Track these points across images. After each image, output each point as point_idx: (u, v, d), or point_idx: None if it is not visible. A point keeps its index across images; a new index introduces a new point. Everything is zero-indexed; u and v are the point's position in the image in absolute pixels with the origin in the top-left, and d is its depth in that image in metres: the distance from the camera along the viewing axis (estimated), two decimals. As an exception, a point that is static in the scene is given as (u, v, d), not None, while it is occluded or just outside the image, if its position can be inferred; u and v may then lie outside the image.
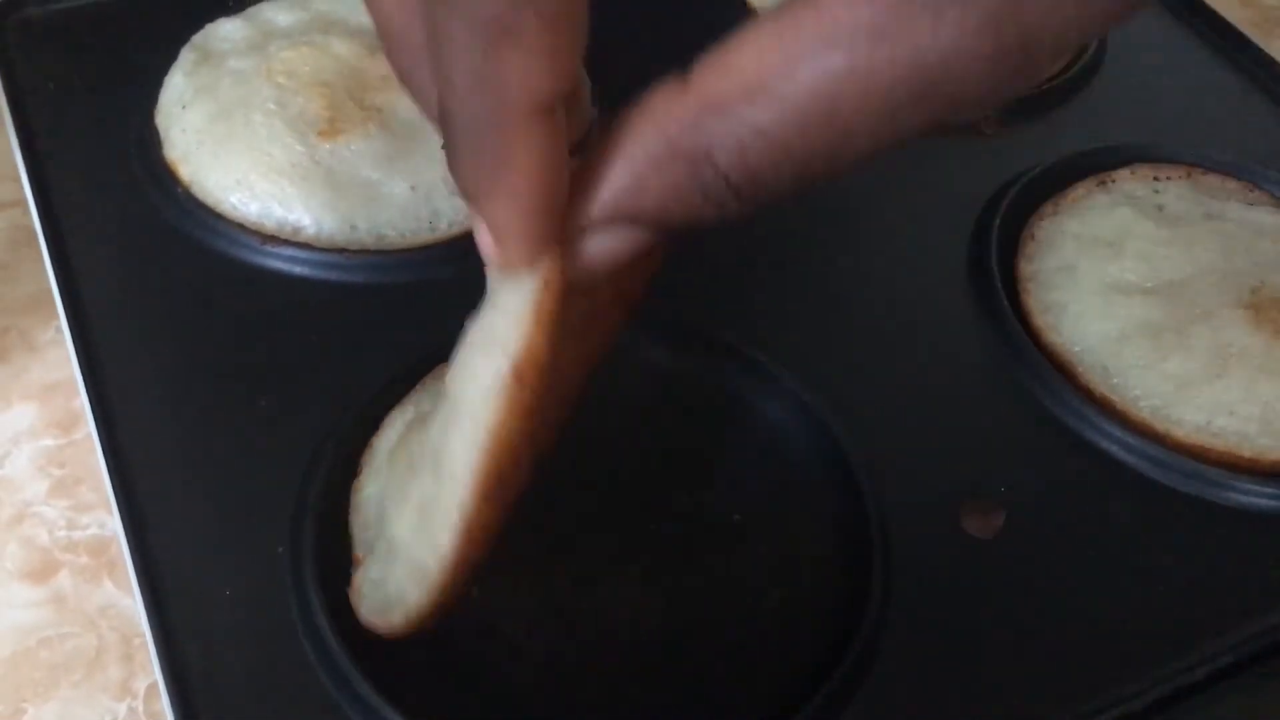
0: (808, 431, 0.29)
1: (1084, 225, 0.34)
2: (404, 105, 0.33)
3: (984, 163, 0.36)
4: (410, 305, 0.30)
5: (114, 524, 0.28)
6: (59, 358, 0.33)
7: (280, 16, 0.35)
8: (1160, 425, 0.29)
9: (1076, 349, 0.31)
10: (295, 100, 0.32)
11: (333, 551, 0.25)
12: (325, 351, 0.29)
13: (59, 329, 0.32)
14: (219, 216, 0.31)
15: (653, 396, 0.30)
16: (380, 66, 0.34)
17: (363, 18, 0.36)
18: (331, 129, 0.32)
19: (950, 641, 0.26)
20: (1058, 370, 0.31)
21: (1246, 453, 0.29)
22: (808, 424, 0.29)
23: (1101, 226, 0.33)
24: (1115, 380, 0.30)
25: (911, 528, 0.27)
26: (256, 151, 0.31)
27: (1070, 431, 0.29)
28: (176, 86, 0.33)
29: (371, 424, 0.27)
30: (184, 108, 0.33)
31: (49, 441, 0.31)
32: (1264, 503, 0.28)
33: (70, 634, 0.28)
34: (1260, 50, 0.40)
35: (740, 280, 0.32)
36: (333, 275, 0.30)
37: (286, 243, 0.30)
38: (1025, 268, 0.33)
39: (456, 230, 0.32)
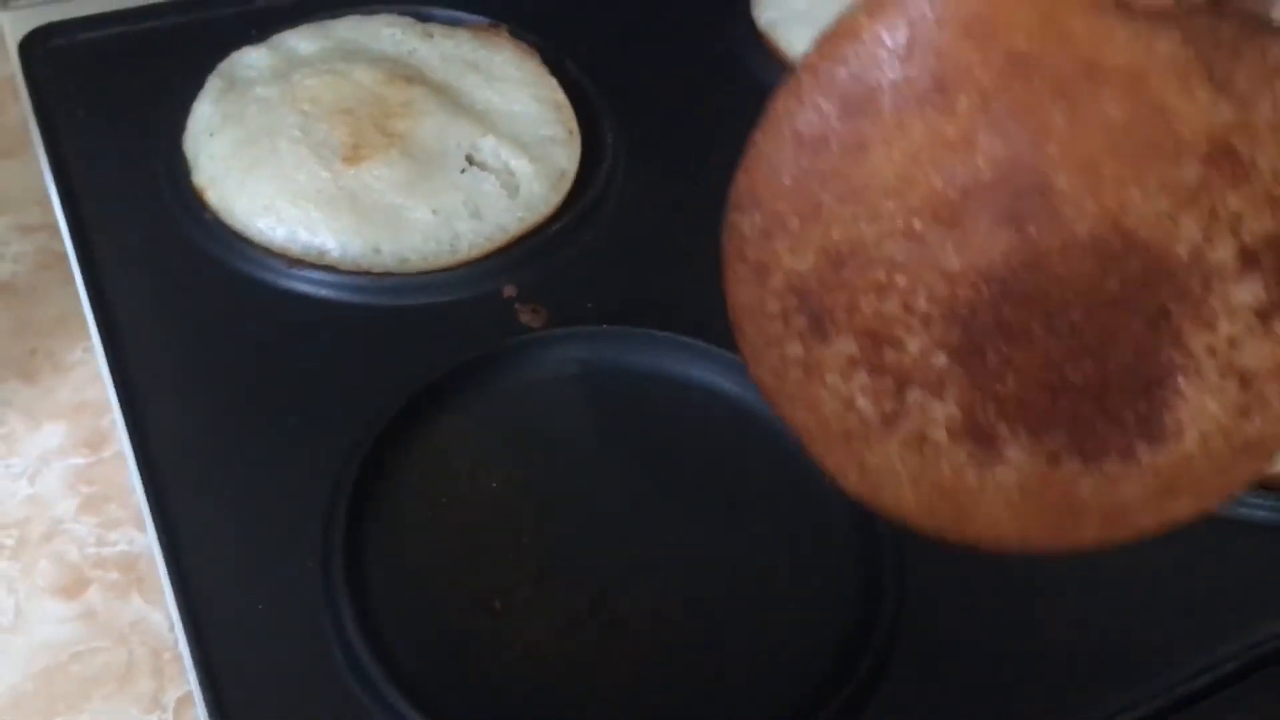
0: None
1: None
2: (425, 131, 0.34)
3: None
4: (431, 325, 0.31)
5: (144, 540, 0.29)
6: (86, 377, 0.33)
7: (303, 44, 0.36)
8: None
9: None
10: (319, 127, 0.33)
11: (360, 565, 0.26)
12: (350, 371, 0.30)
13: (86, 350, 0.33)
14: (246, 240, 0.32)
15: (675, 407, 0.30)
16: (401, 93, 0.34)
17: (383, 45, 0.37)
18: (355, 155, 0.33)
19: (960, 651, 0.26)
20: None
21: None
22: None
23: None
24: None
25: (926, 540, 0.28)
26: (282, 178, 0.32)
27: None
28: (204, 114, 0.34)
29: (393, 443, 0.28)
30: (211, 135, 0.34)
31: (78, 460, 0.32)
32: (1262, 514, 0.29)
33: (101, 648, 0.29)
34: None
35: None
36: (357, 297, 0.31)
37: (312, 266, 0.31)
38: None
39: (476, 253, 0.33)
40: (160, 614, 0.29)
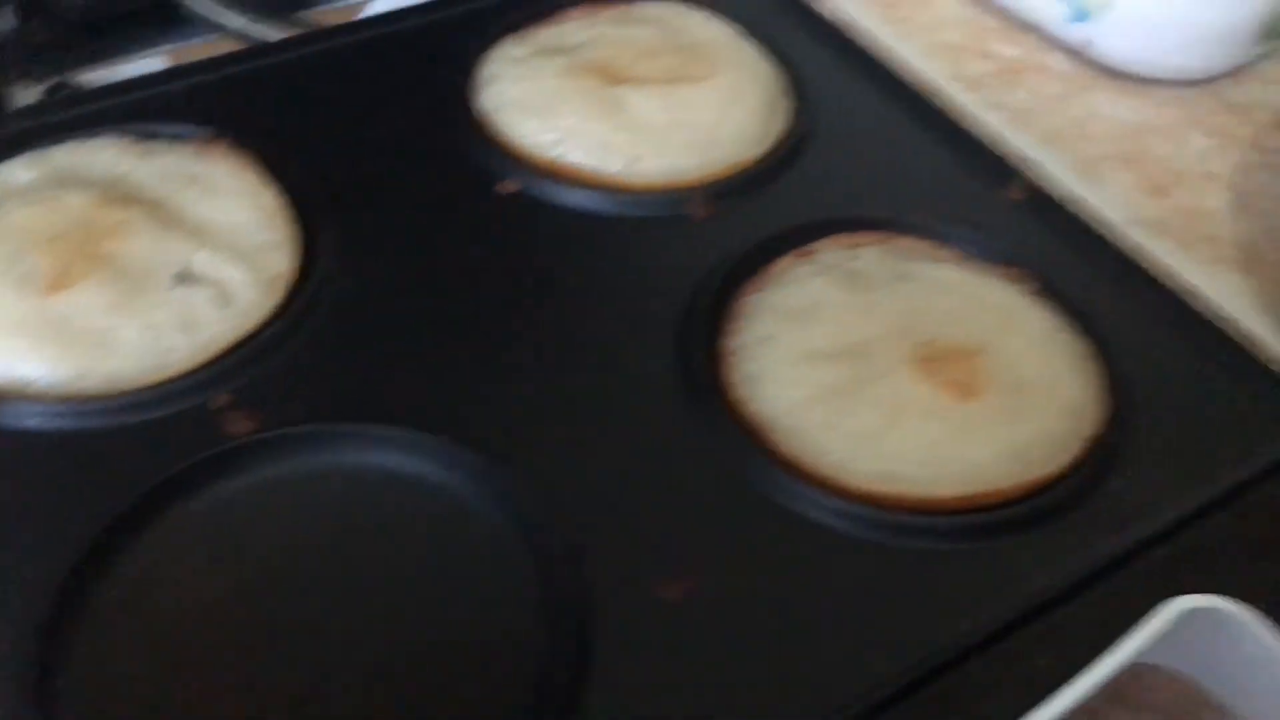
0: (512, 518, 0.31)
1: (784, 298, 0.37)
2: (136, 251, 0.35)
3: (696, 245, 0.39)
4: (141, 443, 0.32)
5: None
6: None
7: (19, 174, 0.37)
8: (841, 479, 0.32)
9: (770, 416, 0.34)
10: (27, 258, 0.34)
11: (57, 689, 0.27)
12: (57, 498, 0.31)
13: None
14: (-49, 379, 0.33)
15: (383, 496, 0.32)
16: (113, 215, 0.36)
17: (100, 168, 0.38)
18: (61, 282, 0.34)
19: (651, 699, 0.28)
20: (754, 438, 0.33)
21: (913, 494, 0.32)
22: (512, 512, 0.31)
23: (798, 297, 0.36)
24: (803, 442, 0.33)
25: (612, 598, 0.30)
26: (-14, 313, 0.33)
27: (761, 494, 0.32)
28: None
29: (96, 565, 0.29)
30: (-80, 275, 0.34)
31: None
32: (929, 545, 0.31)
33: None
34: (949, 117, 0.43)
35: (452, 372, 0.35)
36: (65, 424, 0.32)
37: (18, 398, 0.32)
38: (729, 343, 0.36)
39: (189, 366, 0.34)
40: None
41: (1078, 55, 0.63)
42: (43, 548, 0.30)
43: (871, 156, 0.43)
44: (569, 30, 0.45)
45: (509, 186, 0.40)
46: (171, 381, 0.33)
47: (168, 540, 0.31)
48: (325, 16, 0.50)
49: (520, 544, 0.31)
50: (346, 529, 0.31)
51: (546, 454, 0.33)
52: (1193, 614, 0.30)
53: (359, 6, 0.50)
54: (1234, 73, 0.62)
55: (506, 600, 0.30)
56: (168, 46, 0.47)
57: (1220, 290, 0.51)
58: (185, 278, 0.35)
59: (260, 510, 0.32)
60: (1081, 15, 0.60)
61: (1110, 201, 0.55)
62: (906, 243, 0.39)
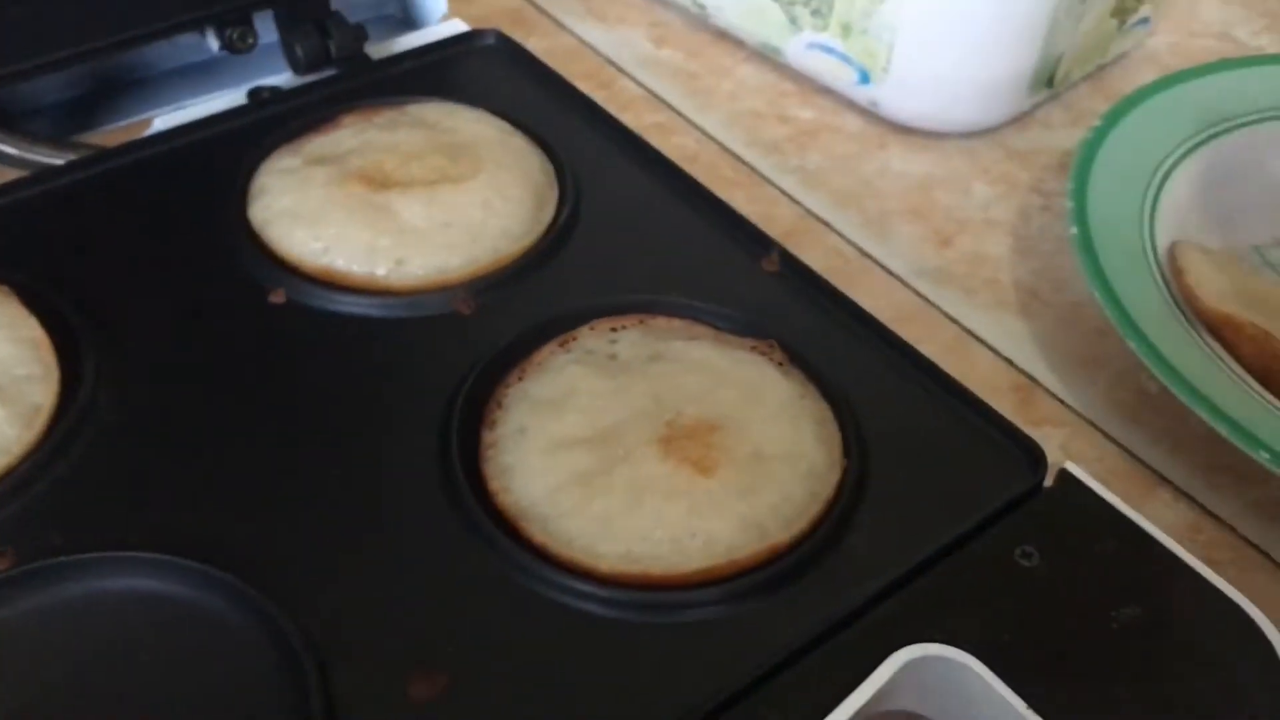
0: (267, 634, 0.32)
1: (540, 387, 0.38)
2: (-110, 397, 0.35)
3: (463, 341, 0.40)
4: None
5: None
6: None
7: None
8: (589, 561, 0.34)
9: (523, 506, 0.35)
10: None
11: None
12: None
13: None
14: None
15: (120, 619, 0.32)
16: None
17: None
18: None
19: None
20: (507, 529, 0.35)
21: (657, 571, 0.33)
22: (262, 623, 0.32)
23: (553, 386, 0.38)
24: (552, 528, 0.34)
25: (359, 705, 0.30)
26: None
27: (515, 584, 0.33)
28: None
29: None
30: None
31: None
32: (674, 618, 0.33)
33: None
34: (711, 194, 0.46)
35: (212, 492, 0.35)
36: None
37: None
38: (488, 435, 0.37)
39: None
40: None
41: (870, 114, 0.66)
42: None
43: (636, 239, 0.45)
44: (341, 137, 0.46)
45: (279, 296, 0.41)
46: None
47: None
48: (110, 137, 0.50)
49: (277, 661, 0.32)
50: (109, 655, 0.32)
51: (302, 566, 0.34)
52: (921, 661, 0.32)
53: (145, 124, 0.51)
54: (1017, 120, 0.66)
55: (263, 714, 0.31)
56: (-57, 179, 0.48)
57: (1002, 334, 0.54)
58: (-59, 418, 0.36)
59: (17, 644, 0.32)
60: (866, 77, 0.64)
61: (897, 254, 0.58)
62: (663, 322, 0.41)
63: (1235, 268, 0.51)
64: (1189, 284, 0.48)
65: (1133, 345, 0.44)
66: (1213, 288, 0.47)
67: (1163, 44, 0.72)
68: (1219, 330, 0.46)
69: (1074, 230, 0.50)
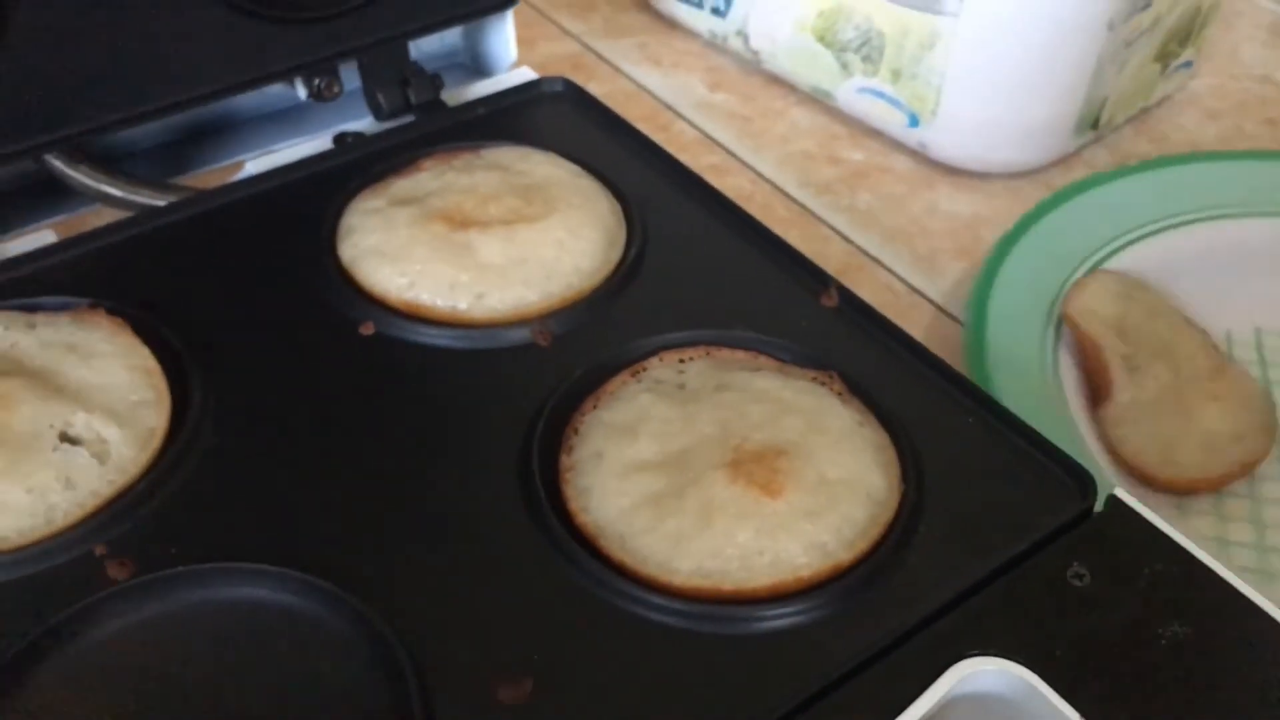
0: (364, 638, 0.34)
1: (613, 415, 0.41)
2: (19, 419, 0.38)
3: (539, 371, 0.43)
4: (30, 594, 0.35)
5: None
6: None
7: (-88, 356, 0.41)
8: (663, 576, 0.36)
9: (601, 524, 0.37)
10: (-83, 435, 0.38)
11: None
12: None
13: None
14: None
15: (230, 625, 0.35)
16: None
17: (-13, 344, 0.41)
18: (-50, 455, 0.37)
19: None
20: (586, 546, 0.37)
21: (728, 587, 0.35)
22: (361, 630, 0.34)
23: (626, 413, 0.40)
24: (629, 546, 0.37)
25: (453, 707, 0.33)
26: (-124, 488, 0.36)
27: (594, 597, 0.36)
28: None
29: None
30: None
31: None
32: (743, 630, 0.35)
33: None
34: (771, 233, 0.48)
35: (312, 508, 0.38)
36: (-47, 583, 0.35)
37: (-87, 563, 0.35)
38: (566, 459, 0.40)
39: (71, 520, 0.37)
40: None
41: (918, 155, 0.68)
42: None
43: (701, 275, 0.47)
44: (421, 180, 0.49)
45: (368, 328, 0.44)
46: (56, 536, 0.37)
47: (59, 678, 0.34)
48: (203, 180, 0.54)
49: (372, 661, 0.34)
50: (220, 656, 0.35)
51: (396, 576, 0.36)
52: (979, 674, 0.34)
53: (236, 167, 0.54)
54: (1062, 161, 0.68)
55: (363, 714, 0.33)
56: (56, 219, 0.51)
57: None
58: (66, 440, 0.39)
59: (140, 647, 0.35)
60: (915, 120, 0.66)
61: (946, 290, 0.60)
62: (728, 354, 0.43)
63: (1142, 297, 0.55)
64: (1069, 294, 0.54)
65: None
66: (1084, 303, 0.53)
67: (1204, 86, 0.74)
68: (1074, 334, 0.53)
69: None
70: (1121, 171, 0.63)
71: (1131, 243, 0.59)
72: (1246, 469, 0.48)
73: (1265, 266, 0.58)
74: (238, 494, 0.38)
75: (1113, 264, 0.57)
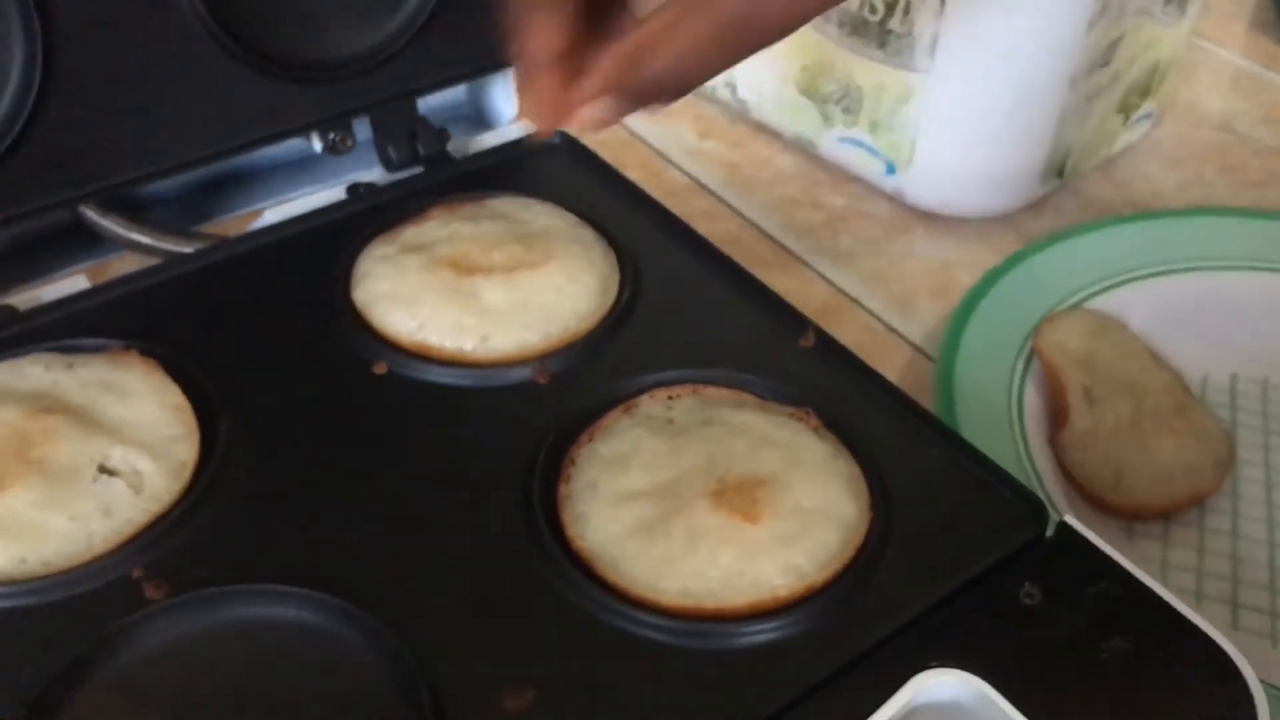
0: (378, 653, 0.38)
1: (607, 448, 0.44)
2: (61, 453, 0.42)
3: (540, 408, 0.46)
4: (71, 614, 0.39)
5: None
6: None
7: (-40, 395, 0.44)
8: (652, 596, 0.39)
9: (595, 549, 0.41)
10: (-31, 469, 0.41)
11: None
12: (7, 664, 0.37)
13: None
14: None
15: (257, 642, 0.38)
16: (40, 424, 0.43)
17: (30, 382, 0.45)
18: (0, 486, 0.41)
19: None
20: (582, 568, 0.40)
21: (711, 605, 0.39)
22: (377, 644, 0.38)
23: (619, 446, 0.44)
24: (620, 568, 0.40)
25: (463, 713, 0.36)
26: (-71, 517, 0.40)
27: (589, 615, 0.39)
28: None
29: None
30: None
31: None
32: (725, 645, 0.38)
33: None
34: (753, 278, 0.52)
35: (330, 534, 0.41)
36: (5, 603, 0.39)
37: (-34, 584, 0.39)
38: (564, 489, 0.43)
39: (110, 546, 0.40)
40: None
41: (896, 201, 0.72)
42: (-9, 708, 0.36)
43: (689, 317, 0.51)
44: (430, 228, 0.53)
45: (381, 368, 0.48)
46: (96, 560, 0.40)
47: (99, 694, 0.37)
48: (224, 227, 0.57)
49: (388, 674, 0.38)
50: (248, 670, 0.38)
51: (410, 596, 0.40)
52: (938, 684, 0.38)
53: (255, 214, 0.58)
54: (1032, 206, 0.72)
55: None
56: (87, 264, 0.55)
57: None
58: (104, 471, 0.42)
59: (176, 663, 0.38)
60: (892, 168, 0.70)
61: (921, 329, 0.64)
62: (713, 392, 0.47)
63: (1116, 336, 0.59)
64: (1041, 328, 0.58)
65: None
66: (1054, 337, 0.58)
67: (1166, 135, 0.78)
68: (1041, 364, 0.57)
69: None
70: (1109, 221, 0.67)
71: (1115, 286, 0.62)
72: (1197, 500, 0.52)
73: (1248, 316, 0.62)
74: (263, 521, 0.42)
75: (1095, 304, 0.61)
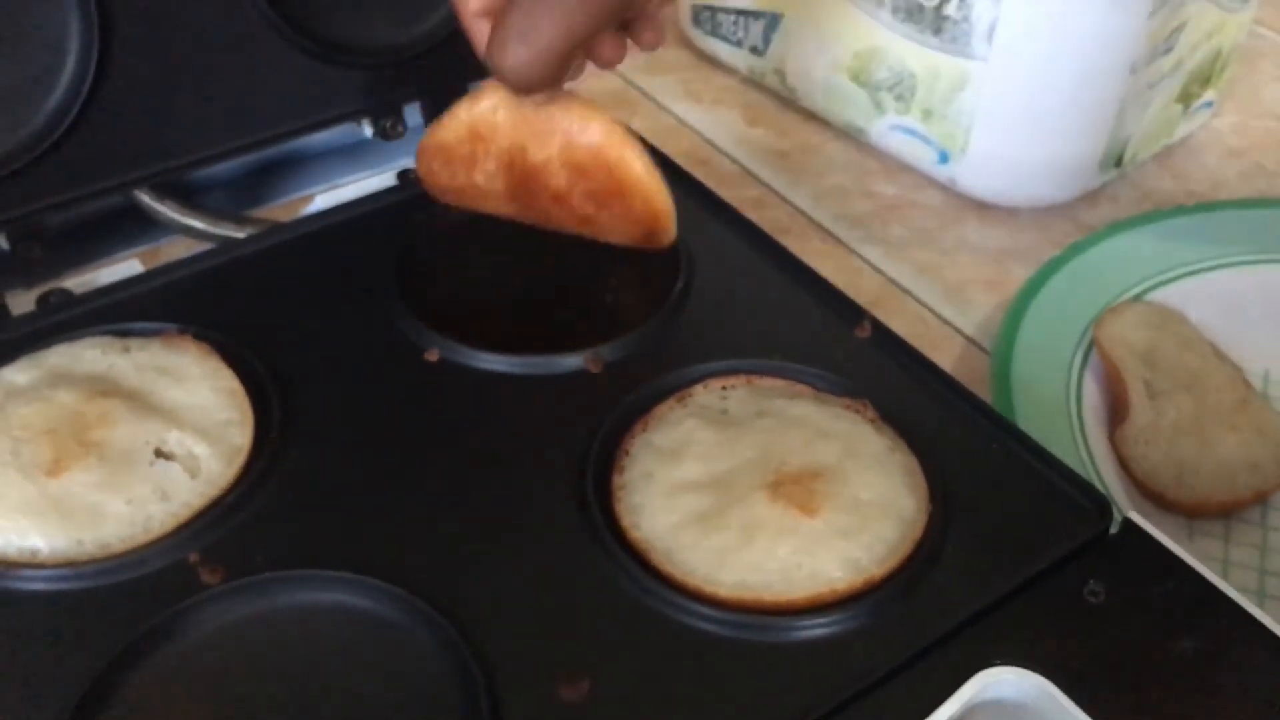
0: (436, 640, 0.38)
1: (661, 438, 0.44)
2: (118, 436, 0.42)
3: (594, 397, 0.46)
4: (129, 597, 0.39)
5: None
6: None
7: (19, 377, 0.44)
8: (708, 588, 0.39)
9: (650, 540, 0.41)
10: (28, 449, 0.41)
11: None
12: (59, 648, 0.37)
13: None
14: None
15: (313, 627, 0.38)
16: (98, 407, 0.43)
17: (87, 365, 0.45)
18: (57, 468, 0.41)
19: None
20: (636, 558, 0.40)
21: (768, 598, 0.38)
22: (433, 632, 0.38)
23: (673, 437, 0.44)
24: (676, 559, 0.40)
25: (520, 704, 0.36)
26: (-3, 497, 0.40)
27: (645, 606, 0.39)
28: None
29: (97, 702, 0.36)
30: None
31: None
32: (783, 638, 0.38)
33: None
34: (808, 268, 0.51)
35: (386, 520, 0.41)
36: (64, 585, 0.39)
37: (25, 566, 0.39)
38: (618, 479, 0.43)
39: (166, 529, 0.40)
40: None
41: (948, 190, 0.71)
42: (51, 688, 0.36)
43: (742, 308, 0.50)
44: (482, 215, 0.52)
45: (432, 355, 0.47)
46: (152, 544, 0.40)
47: (156, 678, 0.37)
48: (275, 212, 0.57)
49: (444, 661, 0.37)
50: (303, 654, 0.38)
51: (464, 584, 0.39)
52: (1000, 682, 0.37)
53: (305, 200, 0.58)
54: (1088, 196, 0.71)
55: (436, 709, 0.36)
56: (141, 248, 0.55)
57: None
58: (160, 455, 0.42)
59: (232, 647, 0.38)
60: (945, 157, 0.69)
61: (974, 321, 0.63)
62: (767, 382, 0.46)
63: (1177, 329, 0.57)
64: (1102, 319, 0.57)
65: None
66: (1114, 329, 0.56)
67: (1226, 125, 0.77)
68: (1100, 357, 0.56)
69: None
70: (1169, 212, 0.66)
71: (1175, 279, 0.61)
72: (1259, 496, 0.51)
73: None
74: (318, 506, 0.42)
75: (1156, 296, 0.60)
